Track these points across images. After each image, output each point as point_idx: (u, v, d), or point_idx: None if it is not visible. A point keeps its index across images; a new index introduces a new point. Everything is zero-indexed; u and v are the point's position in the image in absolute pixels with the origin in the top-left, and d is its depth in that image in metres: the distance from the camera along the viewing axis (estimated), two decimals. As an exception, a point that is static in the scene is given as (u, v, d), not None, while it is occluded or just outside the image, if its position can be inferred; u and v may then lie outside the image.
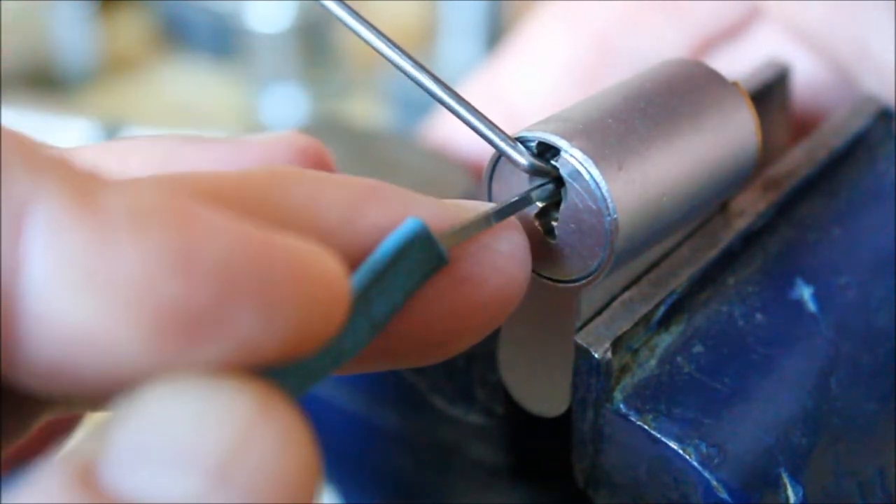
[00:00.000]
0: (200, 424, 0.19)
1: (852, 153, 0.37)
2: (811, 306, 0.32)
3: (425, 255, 0.25)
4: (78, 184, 0.20)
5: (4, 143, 0.20)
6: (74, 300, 0.19)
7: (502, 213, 0.27)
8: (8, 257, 0.19)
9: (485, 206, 0.27)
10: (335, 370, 0.23)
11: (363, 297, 0.24)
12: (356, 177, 0.25)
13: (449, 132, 0.47)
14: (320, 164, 0.29)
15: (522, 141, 0.28)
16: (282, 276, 0.21)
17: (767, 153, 0.35)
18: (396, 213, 0.25)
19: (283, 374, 0.21)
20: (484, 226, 0.26)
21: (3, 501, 0.18)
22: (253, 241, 0.21)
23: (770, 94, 0.38)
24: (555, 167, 0.28)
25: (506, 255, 0.26)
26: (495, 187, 0.29)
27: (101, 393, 0.20)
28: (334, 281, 0.22)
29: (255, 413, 0.20)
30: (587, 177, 0.27)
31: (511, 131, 0.28)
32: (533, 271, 0.29)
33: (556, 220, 0.28)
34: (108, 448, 0.19)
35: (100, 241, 0.19)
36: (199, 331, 0.20)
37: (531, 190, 0.28)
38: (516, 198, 0.27)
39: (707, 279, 0.32)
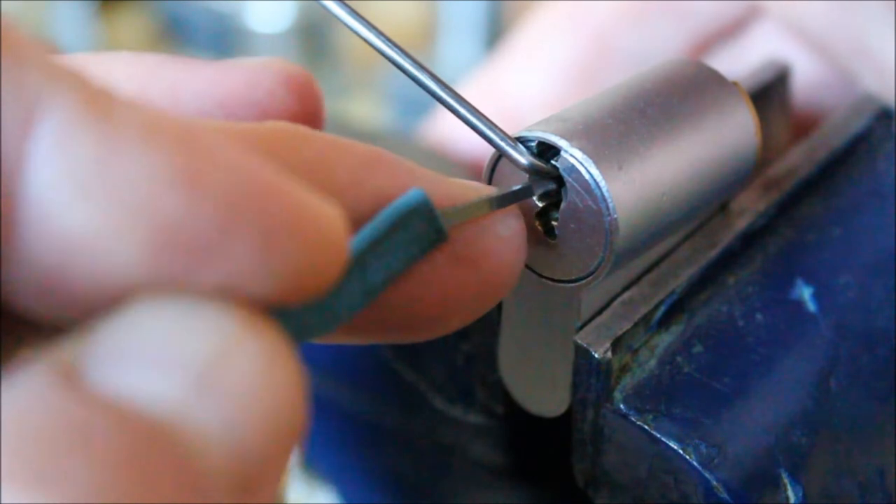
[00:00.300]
0: (186, 332, 0.19)
1: (852, 153, 0.37)
2: (811, 306, 0.32)
3: (425, 228, 0.25)
4: (93, 92, 0.20)
5: (24, 42, 0.20)
6: (75, 204, 0.19)
7: (503, 201, 0.27)
8: (12, 152, 0.19)
9: (488, 188, 0.27)
10: (326, 332, 0.23)
11: (360, 261, 0.24)
12: (364, 144, 0.26)
13: (449, 132, 0.47)
14: (308, 94, 0.29)
15: (522, 141, 0.28)
16: (283, 216, 0.21)
17: (767, 153, 0.35)
18: (401, 182, 0.25)
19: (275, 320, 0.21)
20: (485, 209, 0.26)
21: None
22: (260, 177, 0.21)
23: (770, 94, 0.38)
24: (555, 167, 0.28)
25: (502, 239, 0.26)
26: (495, 187, 0.29)
27: (91, 303, 0.20)
28: (334, 234, 0.22)
29: (241, 328, 0.20)
30: (587, 176, 0.27)
31: (511, 131, 0.28)
32: (533, 271, 0.29)
33: (555, 220, 0.28)
34: (94, 349, 0.19)
35: (107, 149, 0.19)
36: (195, 252, 0.20)
37: (532, 181, 0.28)
38: (518, 187, 0.27)
39: (707, 279, 0.32)
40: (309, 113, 0.28)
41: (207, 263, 0.20)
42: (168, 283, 0.20)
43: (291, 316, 0.22)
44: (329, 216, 0.22)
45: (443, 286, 0.26)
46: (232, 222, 0.20)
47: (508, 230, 0.27)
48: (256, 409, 0.19)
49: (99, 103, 0.20)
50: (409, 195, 0.25)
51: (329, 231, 0.22)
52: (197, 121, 0.23)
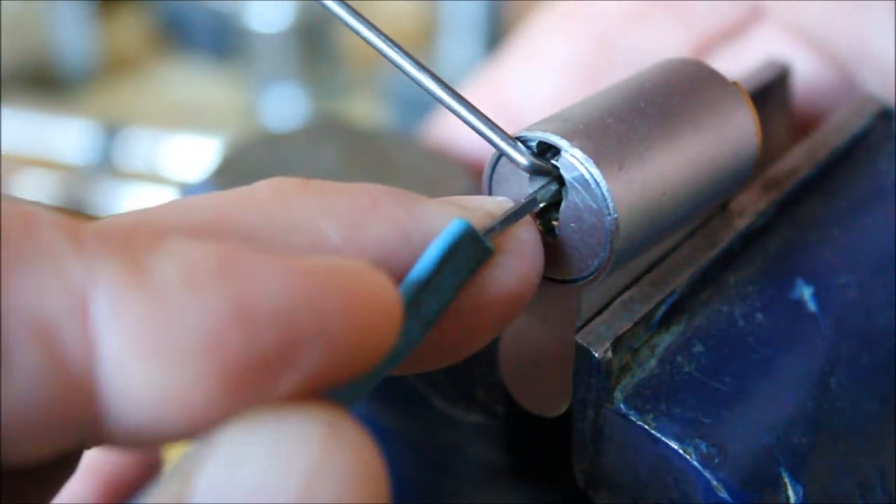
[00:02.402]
0: (275, 460, 0.20)
1: (852, 153, 0.37)
2: (811, 306, 0.32)
3: (472, 253, 0.25)
4: (126, 255, 0.21)
5: (49, 229, 0.21)
6: (147, 369, 0.20)
7: (511, 218, 0.27)
8: (79, 342, 0.20)
9: (488, 202, 0.27)
10: (390, 371, 0.24)
11: (415, 302, 0.24)
12: (357, 185, 0.26)
13: (449, 132, 0.47)
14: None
15: (523, 140, 0.28)
16: (337, 306, 0.21)
17: (767, 153, 0.35)
18: (400, 222, 0.25)
19: (343, 388, 0.22)
20: (516, 218, 0.27)
21: None
22: (303, 275, 0.21)
23: (770, 94, 0.38)
24: (555, 167, 0.28)
25: (521, 256, 0.27)
26: (495, 187, 0.29)
27: (179, 436, 0.21)
28: (386, 297, 0.22)
29: (326, 441, 0.21)
30: (587, 176, 0.27)
31: (511, 131, 0.28)
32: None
33: (556, 219, 0.28)
34: (193, 490, 0.20)
35: (160, 309, 0.20)
36: (267, 374, 0.21)
37: (536, 192, 0.28)
38: (525, 200, 0.28)
39: (707, 279, 0.32)
40: None
41: (279, 378, 0.21)
42: (250, 403, 0.21)
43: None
44: (374, 280, 0.22)
45: (467, 311, 0.26)
46: (293, 335, 0.21)
47: (525, 245, 0.27)
48: None
49: (137, 264, 0.21)
50: (452, 228, 0.25)
51: (381, 296, 0.22)
52: (195, 216, 0.24)
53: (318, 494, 0.20)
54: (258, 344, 0.21)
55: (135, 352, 0.20)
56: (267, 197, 0.25)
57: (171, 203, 0.24)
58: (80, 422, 0.20)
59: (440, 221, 0.26)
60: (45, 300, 0.20)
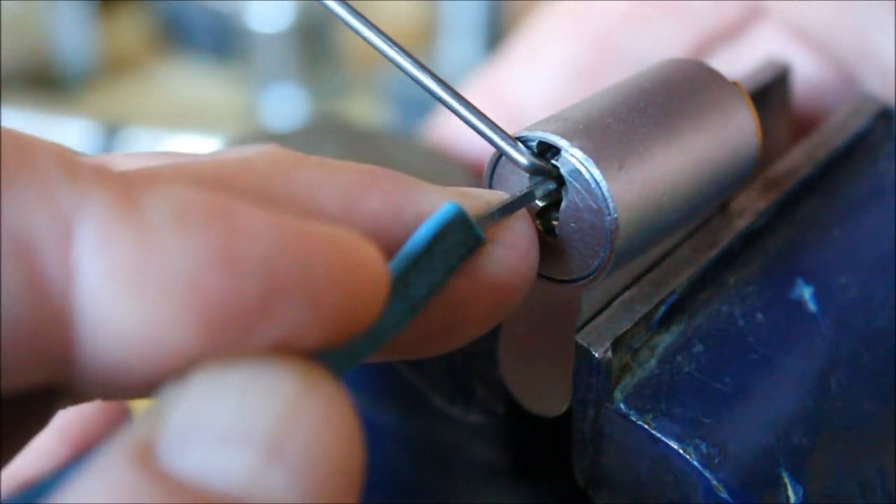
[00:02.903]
0: (249, 402, 0.20)
1: (852, 153, 0.37)
2: (811, 306, 0.32)
3: (462, 238, 0.25)
4: (119, 189, 0.21)
5: (45, 156, 0.20)
6: (127, 302, 0.20)
7: (506, 209, 0.27)
8: (60, 267, 0.20)
9: (487, 193, 0.27)
10: (375, 350, 0.24)
11: (402, 281, 0.24)
12: (355, 163, 0.26)
13: (449, 132, 0.47)
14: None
15: (523, 140, 0.28)
16: (323, 267, 0.21)
17: (767, 153, 0.35)
18: (396, 200, 0.25)
19: (324, 355, 0.22)
20: (511, 210, 0.27)
21: (69, 483, 0.19)
22: (293, 233, 0.21)
23: (770, 94, 0.38)
24: (555, 167, 0.28)
25: (514, 247, 0.26)
26: (496, 187, 0.29)
27: (150, 383, 0.21)
28: (373, 268, 0.22)
29: (300, 389, 0.20)
30: (587, 176, 0.27)
31: (511, 131, 0.28)
32: (533, 271, 0.29)
33: (556, 219, 0.28)
34: (164, 429, 0.20)
35: (147, 244, 0.20)
36: (247, 323, 0.21)
37: (535, 185, 0.28)
38: (521, 193, 0.27)
39: (707, 279, 0.32)
40: None
41: (258, 329, 0.21)
42: (224, 352, 0.21)
43: (341, 347, 0.22)
44: (363, 250, 0.22)
45: (457, 300, 0.26)
46: (277, 287, 0.21)
47: (520, 237, 0.27)
48: (325, 466, 0.20)
49: (128, 198, 0.20)
50: (444, 210, 0.25)
51: (368, 266, 0.22)
52: (190, 170, 0.23)
53: (289, 439, 0.20)
54: (241, 290, 0.20)
55: (115, 283, 0.20)
56: (265, 163, 0.24)
57: (168, 161, 0.24)
58: (53, 350, 0.20)
59: (436, 204, 0.26)
60: (29, 219, 0.20)
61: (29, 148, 0.20)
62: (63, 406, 0.25)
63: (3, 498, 0.33)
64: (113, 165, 0.22)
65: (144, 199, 0.21)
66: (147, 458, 0.20)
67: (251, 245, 0.21)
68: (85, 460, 0.20)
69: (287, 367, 0.21)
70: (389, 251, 0.24)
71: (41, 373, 0.20)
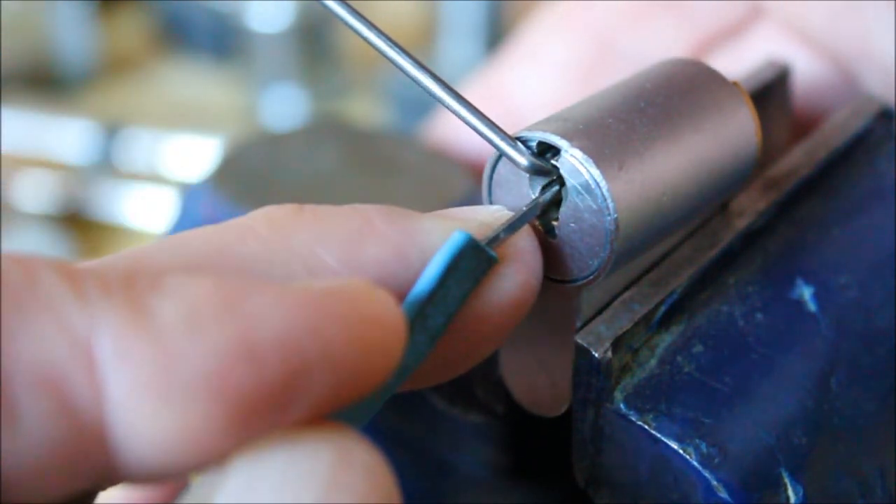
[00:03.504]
0: (291, 483, 0.20)
1: (852, 153, 0.37)
2: (811, 306, 0.32)
3: (475, 263, 0.25)
4: (127, 300, 0.21)
5: (49, 279, 0.21)
6: (155, 410, 0.20)
7: (511, 227, 0.27)
8: (87, 388, 0.20)
9: (482, 213, 0.27)
10: (399, 386, 0.24)
11: (420, 316, 0.24)
12: (352, 207, 0.26)
13: (449, 132, 0.47)
14: None
15: (523, 141, 0.28)
16: (339, 331, 0.21)
17: (767, 153, 0.35)
18: (396, 243, 0.25)
19: (352, 408, 0.22)
20: (515, 227, 0.27)
21: None
22: (304, 304, 0.21)
23: (770, 94, 0.38)
24: (555, 167, 0.28)
25: (520, 263, 0.27)
26: (495, 187, 0.29)
27: (191, 471, 0.21)
28: (389, 315, 0.22)
29: (336, 462, 0.21)
30: (587, 176, 0.27)
31: (511, 131, 0.28)
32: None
33: (556, 219, 0.28)
34: None
35: (164, 350, 0.20)
36: (274, 406, 0.21)
37: (538, 201, 0.28)
38: (525, 209, 0.28)
39: (707, 279, 0.32)
40: None
41: (286, 409, 0.21)
42: (258, 435, 0.21)
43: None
44: (376, 300, 0.22)
45: (470, 322, 0.26)
46: (298, 366, 0.21)
47: (524, 252, 0.27)
48: None
49: (138, 308, 0.21)
50: (454, 240, 0.25)
51: (384, 316, 0.22)
52: (192, 254, 0.24)
53: None
54: (264, 378, 0.21)
55: (141, 394, 0.20)
56: (261, 227, 0.25)
57: (165, 240, 0.24)
58: (93, 466, 0.21)
59: (435, 237, 0.26)
60: (50, 349, 0.20)
61: (33, 273, 0.21)
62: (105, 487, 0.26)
63: None
64: (113, 268, 0.22)
65: (153, 305, 0.21)
66: None
67: (265, 330, 0.21)
68: None
69: (320, 441, 0.21)
70: (397, 291, 0.24)
71: (85, 484, 0.21)
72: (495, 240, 0.26)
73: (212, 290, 0.21)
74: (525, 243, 0.27)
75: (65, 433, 0.20)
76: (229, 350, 0.21)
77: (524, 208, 0.28)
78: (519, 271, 0.27)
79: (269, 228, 0.25)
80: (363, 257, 0.25)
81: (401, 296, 0.25)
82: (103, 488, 0.23)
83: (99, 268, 0.22)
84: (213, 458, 0.21)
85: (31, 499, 0.20)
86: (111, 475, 0.21)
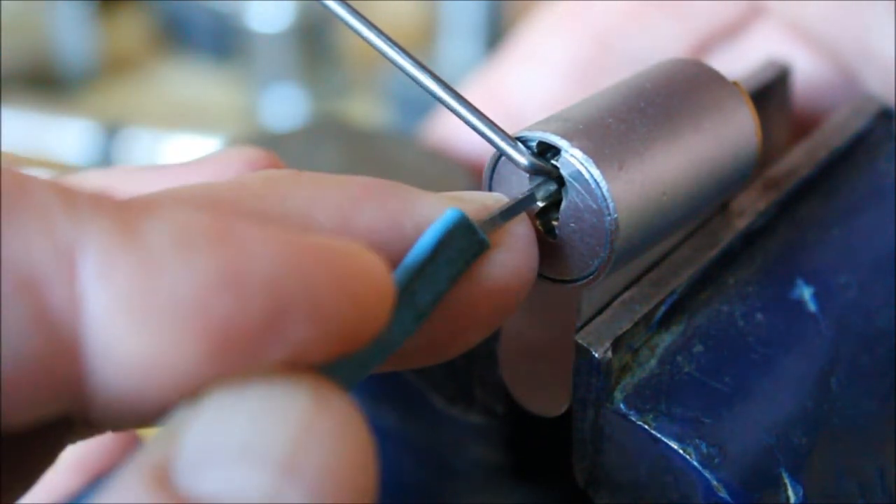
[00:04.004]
0: (263, 422, 0.20)
1: (852, 153, 0.37)
2: (811, 306, 0.32)
3: (467, 244, 0.25)
4: (118, 217, 0.21)
5: (42, 189, 0.20)
6: (134, 330, 0.20)
7: (507, 213, 0.27)
8: (65, 299, 0.20)
9: (484, 196, 0.27)
10: (384, 359, 0.24)
11: (408, 289, 0.24)
12: (351, 176, 0.26)
13: (449, 132, 0.47)
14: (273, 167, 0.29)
15: (523, 141, 0.28)
16: (327, 280, 0.21)
17: (767, 153, 0.35)
18: (392, 212, 0.25)
19: (334, 367, 0.22)
20: (514, 213, 0.27)
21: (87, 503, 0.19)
22: (295, 248, 0.21)
23: (770, 93, 0.38)
24: (555, 167, 0.28)
25: (515, 251, 0.26)
26: (496, 187, 0.29)
27: (162, 408, 0.21)
28: (378, 278, 0.22)
29: (312, 405, 0.20)
30: (587, 176, 0.27)
31: (511, 131, 0.28)
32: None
33: (556, 219, 0.28)
34: (179, 450, 0.20)
35: (150, 270, 0.20)
36: (254, 342, 0.21)
37: (535, 188, 0.28)
38: (521, 196, 0.27)
39: (707, 279, 0.32)
40: None
41: (267, 348, 0.21)
42: (237, 370, 0.21)
43: (350, 358, 0.23)
44: (367, 261, 0.22)
45: (461, 305, 0.26)
46: (283, 305, 0.21)
47: (519, 239, 0.27)
48: (341, 481, 0.20)
49: (128, 225, 0.20)
50: (447, 216, 0.25)
51: (373, 276, 0.22)
52: (188, 194, 0.23)
53: (304, 456, 0.20)
54: (247, 311, 0.20)
55: (121, 311, 0.20)
56: (259, 184, 0.25)
57: (164, 189, 0.24)
58: (63, 383, 0.20)
59: (433, 212, 0.26)
60: (32, 253, 0.20)
61: (26, 182, 0.20)
62: (73, 440, 0.25)
63: None
64: (109, 193, 0.22)
65: (144, 225, 0.21)
66: (163, 480, 0.20)
67: (254, 264, 0.21)
68: (98, 486, 0.20)
69: (298, 384, 0.21)
70: (391, 263, 0.24)
71: (54, 404, 0.20)
72: (490, 224, 0.26)
73: (205, 219, 0.21)
74: (521, 231, 0.27)
75: (37, 340, 0.20)
76: (215, 278, 0.20)
77: (519, 196, 0.27)
78: (513, 259, 0.26)
79: (266, 187, 0.24)
80: (358, 223, 0.25)
81: (393, 267, 0.25)
82: (69, 428, 0.23)
83: (93, 187, 0.22)
84: (186, 390, 0.21)
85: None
86: (81, 397, 0.20)
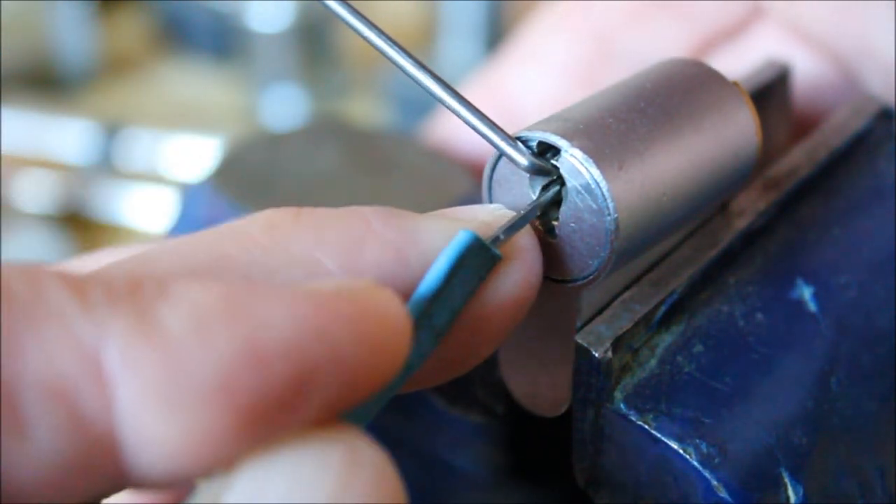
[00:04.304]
0: (298, 486, 0.21)
1: (852, 153, 0.37)
2: (811, 306, 0.32)
3: (479, 261, 0.26)
4: (134, 308, 0.21)
5: (54, 289, 0.21)
6: (162, 417, 0.20)
7: (513, 227, 0.27)
8: (96, 399, 0.20)
9: (480, 212, 0.27)
10: (404, 384, 0.24)
11: (425, 315, 0.24)
12: (350, 209, 0.26)
13: (449, 132, 0.47)
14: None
15: (523, 141, 0.28)
16: (347, 334, 0.21)
17: (767, 153, 0.35)
18: (395, 245, 0.26)
19: (357, 408, 0.22)
20: (517, 228, 0.27)
21: None
22: (310, 307, 0.21)
23: (770, 93, 0.38)
24: (555, 167, 0.28)
25: (521, 262, 0.27)
26: (496, 187, 0.29)
27: (200, 476, 0.21)
28: (395, 317, 0.22)
29: (347, 463, 0.21)
30: (587, 176, 0.27)
31: (511, 131, 0.28)
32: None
33: (556, 219, 0.28)
34: None
35: (171, 357, 0.21)
36: (282, 411, 0.21)
37: (538, 202, 0.28)
38: (525, 210, 0.28)
39: (707, 279, 0.32)
40: None
41: (294, 413, 0.21)
42: (266, 439, 0.21)
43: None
44: (382, 300, 0.22)
45: (472, 321, 0.26)
46: (306, 371, 0.21)
47: (524, 250, 0.27)
48: None
49: (145, 315, 0.21)
50: (459, 239, 0.25)
51: (389, 315, 0.22)
52: (191, 260, 0.24)
53: None
54: (271, 382, 0.21)
55: (150, 402, 0.20)
56: (260, 232, 0.25)
57: (166, 245, 0.24)
58: (105, 474, 0.21)
59: (435, 237, 0.26)
60: (59, 361, 0.20)
61: (39, 285, 0.21)
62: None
63: None
64: (119, 279, 0.22)
65: (160, 313, 0.21)
66: None
67: (271, 334, 0.21)
68: None
69: (329, 443, 0.21)
70: (399, 293, 0.24)
71: (97, 492, 0.21)
72: (496, 240, 0.26)
73: (217, 295, 0.21)
74: (525, 242, 0.27)
75: (75, 444, 0.20)
76: (236, 356, 0.21)
77: (525, 210, 0.28)
78: (520, 270, 0.27)
79: (269, 235, 0.25)
80: (363, 260, 0.25)
81: (402, 297, 0.25)
82: (115, 492, 0.23)
83: (103, 275, 0.22)
84: (223, 463, 0.21)
85: None
86: (122, 481, 0.21)
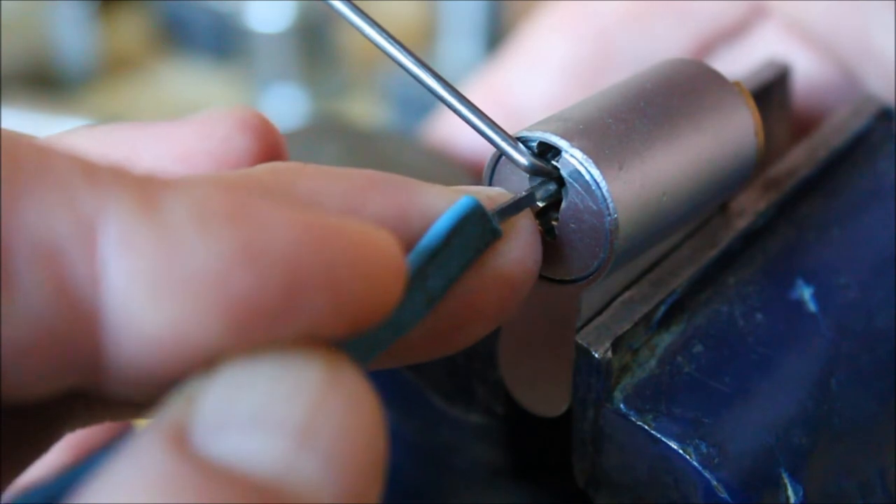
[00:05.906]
0: (280, 391, 0.20)
1: (852, 153, 0.37)
2: (811, 306, 0.32)
3: (479, 231, 0.26)
4: (139, 190, 0.21)
5: (63, 160, 0.21)
6: (154, 303, 0.20)
7: (514, 207, 0.27)
8: (85, 270, 0.20)
9: (487, 190, 0.27)
10: (394, 341, 0.24)
11: (420, 274, 0.25)
12: (355, 169, 0.26)
13: (449, 132, 0.47)
14: (264, 132, 0.29)
15: (523, 141, 0.28)
16: (343, 257, 0.22)
17: (767, 153, 0.35)
18: (398, 203, 0.25)
19: (346, 345, 0.22)
20: (513, 211, 0.27)
21: (103, 470, 0.19)
22: (313, 226, 0.22)
23: (770, 93, 0.38)
24: (555, 167, 0.28)
25: (518, 241, 0.27)
26: (496, 187, 0.29)
27: (171, 382, 0.21)
28: (391, 256, 0.23)
29: (327, 378, 0.21)
30: (587, 177, 0.27)
31: (512, 131, 0.28)
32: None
33: (556, 219, 0.28)
34: (197, 413, 0.20)
35: (170, 244, 0.20)
36: (272, 317, 0.21)
37: (536, 187, 0.28)
38: (523, 193, 0.28)
39: (707, 279, 0.32)
40: (270, 150, 0.29)
41: (284, 321, 0.21)
42: (251, 344, 0.21)
43: (362, 337, 0.23)
44: (382, 242, 0.23)
45: (466, 295, 0.26)
46: (300, 281, 0.21)
47: (522, 230, 0.27)
48: (354, 451, 0.21)
49: (149, 199, 0.21)
50: (461, 203, 0.25)
51: (387, 255, 0.22)
52: (224, 176, 0.24)
53: (319, 425, 0.20)
54: (265, 285, 0.21)
55: (141, 284, 0.20)
56: (266, 176, 0.25)
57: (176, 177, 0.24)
58: (80, 354, 0.20)
59: (439, 203, 0.26)
60: (53, 224, 0.20)
61: (47, 153, 0.21)
62: (73, 427, 0.26)
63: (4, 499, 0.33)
64: (129, 166, 0.22)
65: (165, 200, 0.21)
66: (182, 442, 0.20)
67: (272, 240, 0.21)
68: (94, 460, 0.20)
69: (313, 357, 0.21)
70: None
71: (70, 375, 0.21)
72: (499, 215, 0.26)
73: (224, 195, 0.21)
74: (525, 223, 0.27)
75: (56, 309, 0.20)
76: (234, 254, 0.20)
77: (525, 191, 0.28)
78: (517, 251, 0.27)
79: (273, 178, 0.25)
80: (365, 213, 0.25)
81: (403, 253, 0.25)
82: (86, 387, 0.23)
83: (116, 164, 0.22)
84: (203, 362, 0.21)
85: (15, 382, 0.20)
86: (96, 374, 0.21)
